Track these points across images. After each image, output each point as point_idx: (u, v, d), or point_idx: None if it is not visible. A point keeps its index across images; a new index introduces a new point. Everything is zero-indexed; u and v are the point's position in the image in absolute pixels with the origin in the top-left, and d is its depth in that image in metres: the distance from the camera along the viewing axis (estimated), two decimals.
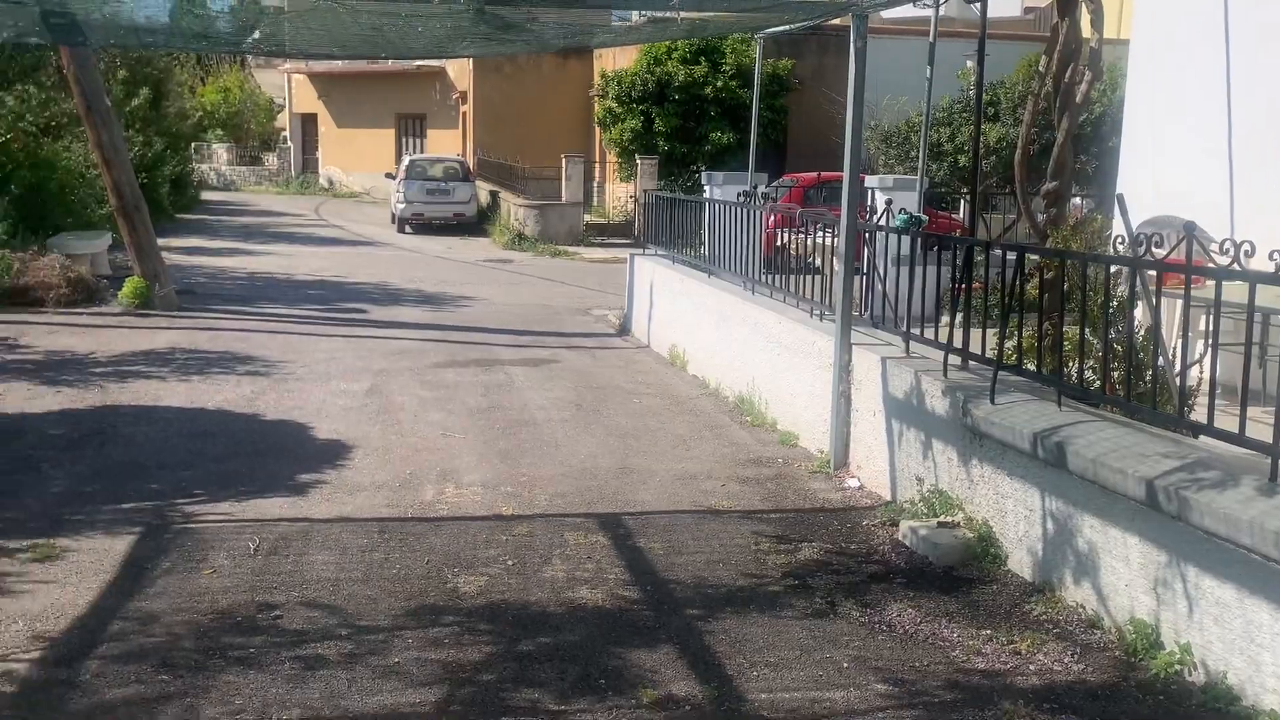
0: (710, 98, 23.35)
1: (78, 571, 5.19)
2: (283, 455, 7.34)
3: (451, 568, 5.35)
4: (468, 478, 6.89)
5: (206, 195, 32.31)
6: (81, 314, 12.76)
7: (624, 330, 12.98)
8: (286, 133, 41.22)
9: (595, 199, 28.14)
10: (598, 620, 4.79)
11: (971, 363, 6.20)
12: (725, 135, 23.19)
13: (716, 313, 9.90)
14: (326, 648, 4.45)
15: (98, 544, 5.56)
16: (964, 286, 6.22)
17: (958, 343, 6.15)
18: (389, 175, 27.83)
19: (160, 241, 14.49)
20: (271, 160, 40.86)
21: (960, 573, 5.40)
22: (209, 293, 14.85)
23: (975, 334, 6.14)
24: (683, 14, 7.18)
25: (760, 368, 8.71)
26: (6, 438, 7.50)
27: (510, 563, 5.44)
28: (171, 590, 4.99)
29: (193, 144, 33.44)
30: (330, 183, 37.82)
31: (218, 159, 40.26)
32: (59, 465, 6.93)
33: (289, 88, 39.72)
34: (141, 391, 9.09)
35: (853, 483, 6.92)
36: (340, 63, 32.98)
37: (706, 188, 11.62)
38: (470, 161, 29.14)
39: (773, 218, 9.96)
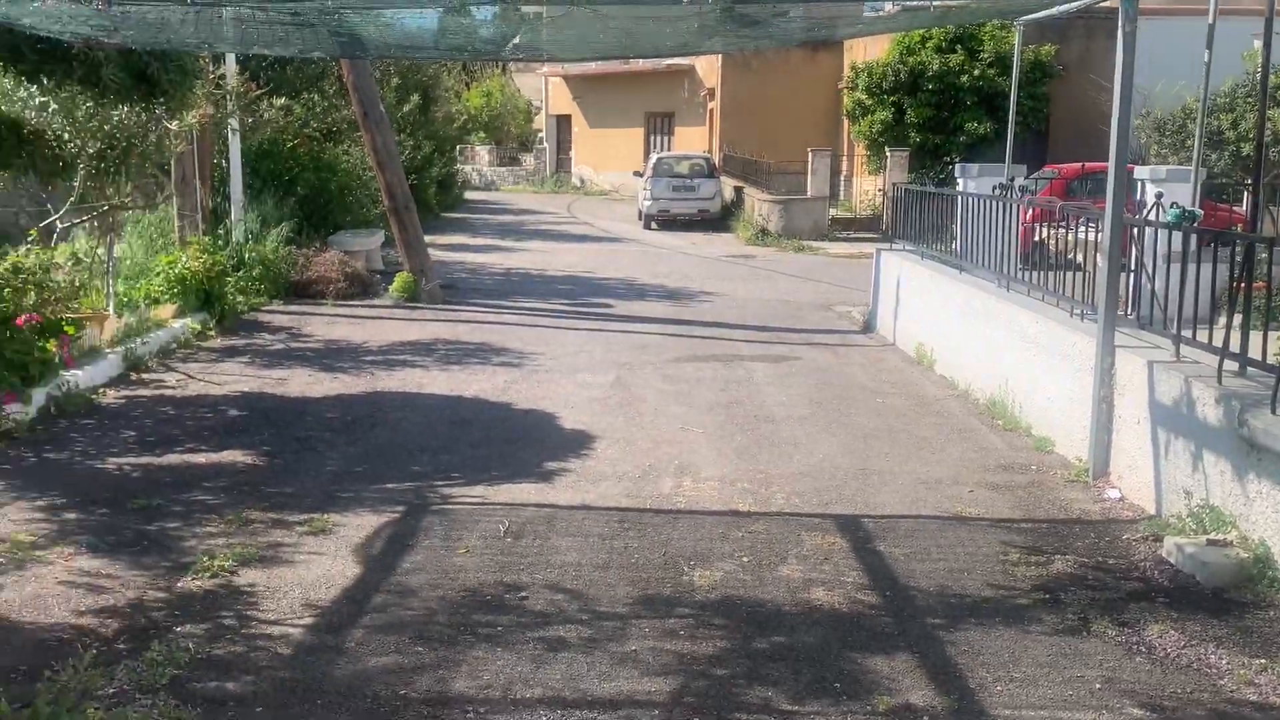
0: (966, 87, 22.52)
1: (346, 545, 5.61)
2: (531, 443, 7.66)
3: (687, 560, 5.42)
4: (705, 472, 6.96)
5: (469, 195, 34.10)
6: (356, 306, 13.76)
7: (868, 328, 12.73)
8: (542, 134, 42.93)
9: (841, 193, 27.74)
10: (833, 623, 4.73)
11: (1250, 369, 5.69)
12: (981, 125, 22.31)
13: (967, 311, 9.54)
14: (567, 631, 4.61)
15: (364, 520, 5.99)
16: (1244, 286, 5.72)
17: (1234, 346, 5.67)
18: (637, 173, 28.46)
19: (426, 239, 15.42)
20: (528, 161, 42.67)
21: (1231, 595, 4.98)
22: (469, 287, 15.68)
23: (1254, 338, 5.65)
24: (935, 2, 6.96)
25: (1013, 369, 8.33)
26: (289, 420, 8.19)
27: (745, 559, 5.45)
28: (429, 567, 5.31)
29: (457, 146, 35.34)
30: (582, 181, 39.09)
31: (479, 160, 42.41)
32: (334, 447, 7.50)
33: (546, 90, 41.35)
34: (407, 379, 9.70)
35: (1113, 494, 6.51)
36: (594, 64, 34.01)
37: (960, 180, 11.21)
38: (716, 158, 29.37)
39: (1030, 212, 9.50)
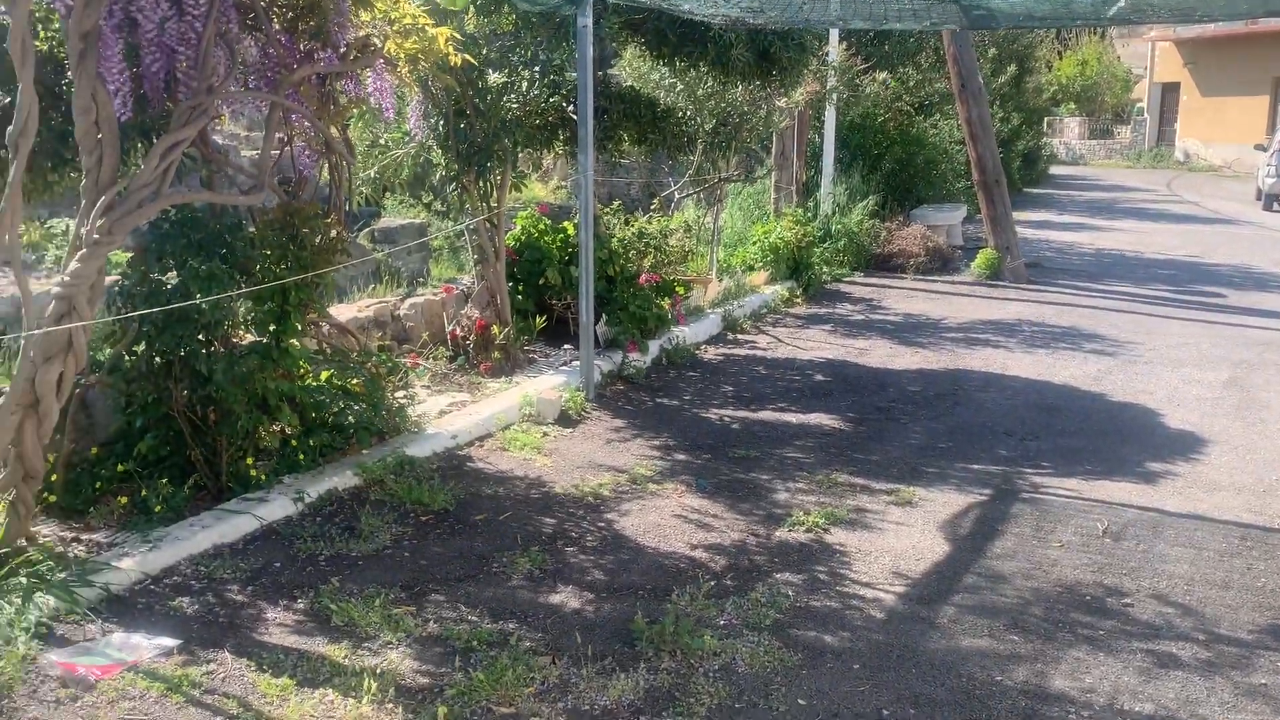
0: None
1: (933, 520, 5.57)
2: (1129, 439, 7.06)
3: None
4: None
5: (1053, 170, 32.35)
6: (935, 281, 13.66)
7: None
8: (1143, 104, 39.41)
9: None
10: None
11: None
12: None
13: None
14: (1180, 648, 4.18)
15: (948, 498, 5.91)
16: None
17: None
18: (1259, 146, 25.07)
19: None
20: (1123, 133, 39.46)
21: None
22: (1055, 267, 14.86)
23: None
24: None
25: None
26: (871, 389, 8.34)
27: None
28: (1020, 555, 5.11)
29: (1044, 119, 33.64)
30: (1185, 155, 35.36)
31: (1067, 133, 40.03)
32: (915, 420, 7.50)
33: (1152, 56, 37.86)
34: (988, 359, 9.43)
35: None
36: (1211, 26, 30.44)
37: None
38: None
39: None
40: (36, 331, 4.30)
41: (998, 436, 7.11)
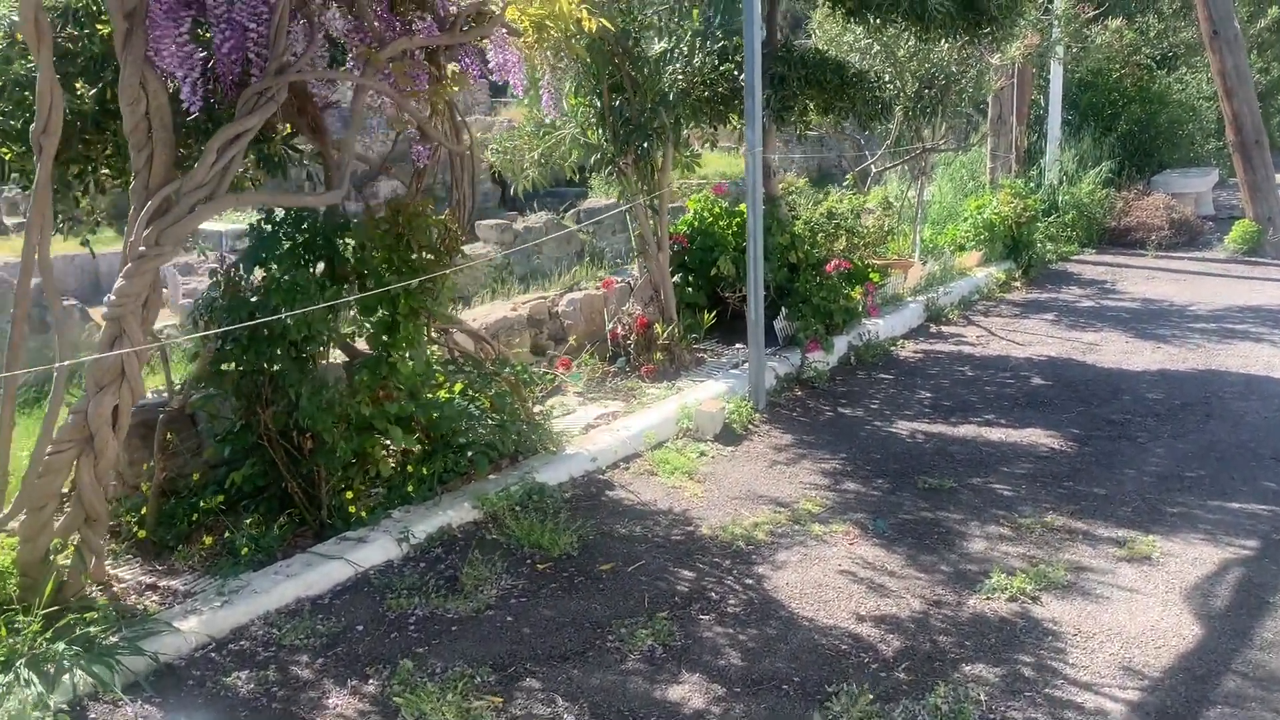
0: None
1: (1177, 586, 4.34)
2: None
3: None
4: None
5: None
6: (1181, 258, 11.87)
7: None
8: None
9: None
10: None
11: None
12: None
13: None
14: None
15: (1198, 552, 4.64)
16: None
17: None
18: None
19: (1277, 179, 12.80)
20: None
21: None
22: None
23: None
24: None
25: None
26: (1100, 397, 7.00)
27: None
28: None
29: None
30: None
31: None
32: (1156, 438, 6.16)
33: None
34: (1248, 356, 7.86)
35: None
36: None
37: None
38: None
39: None
40: (78, 360, 3.73)
41: (1264, 463, 5.71)
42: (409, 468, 5.10)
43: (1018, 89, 12.69)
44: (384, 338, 4.92)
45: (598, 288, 8.12)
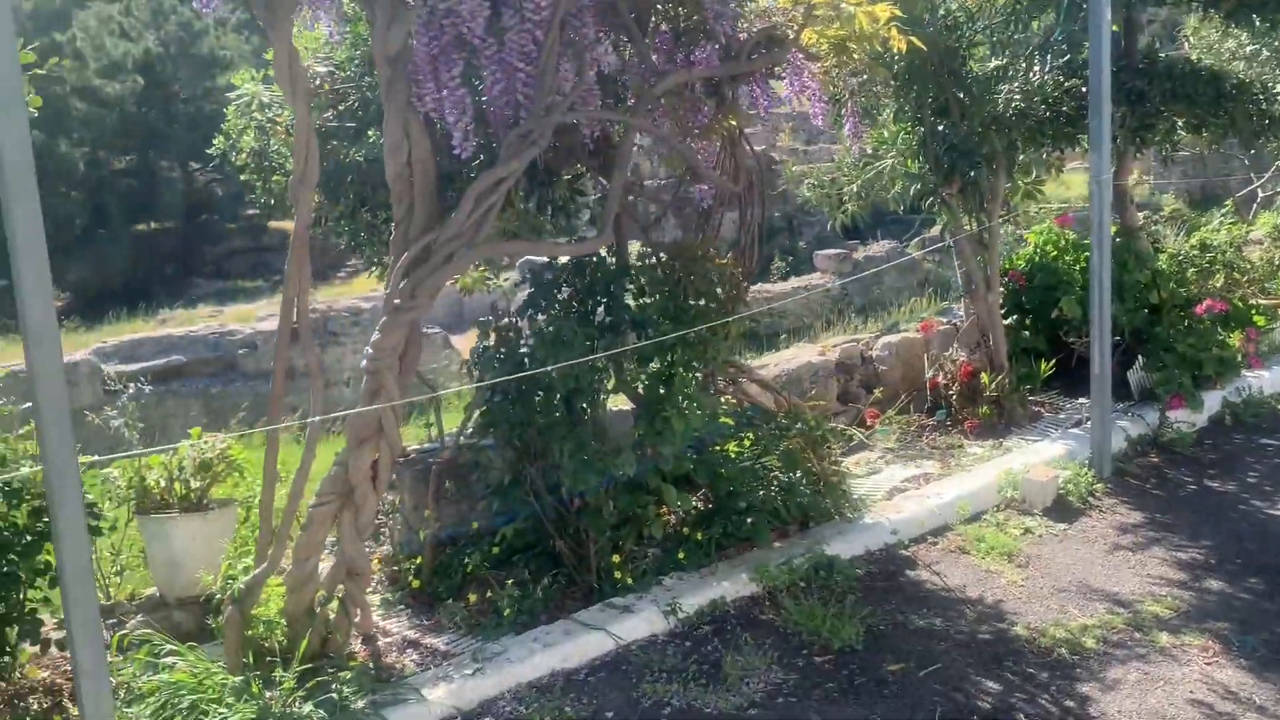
0: None
1: None
2: None
3: None
4: None
5: None
6: None
7: None
8: None
9: None
10: None
11: None
12: None
13: None
14: None
15: None
16: None
17: None
18: None
19: None
20: None
21: None
22: None
23: None
24: None
25: None
26: None
27: None
28: None
29: None
30: None
31: None
32: None
33: None
34: None
35: None
36: None
37: None
38: None
39: None
40: (336, 414, 3.66)
41: None
42: (684, 529, 4.73)
43: None
44: (660, 390, 4.58)
45: (917, 331, 7.41)
